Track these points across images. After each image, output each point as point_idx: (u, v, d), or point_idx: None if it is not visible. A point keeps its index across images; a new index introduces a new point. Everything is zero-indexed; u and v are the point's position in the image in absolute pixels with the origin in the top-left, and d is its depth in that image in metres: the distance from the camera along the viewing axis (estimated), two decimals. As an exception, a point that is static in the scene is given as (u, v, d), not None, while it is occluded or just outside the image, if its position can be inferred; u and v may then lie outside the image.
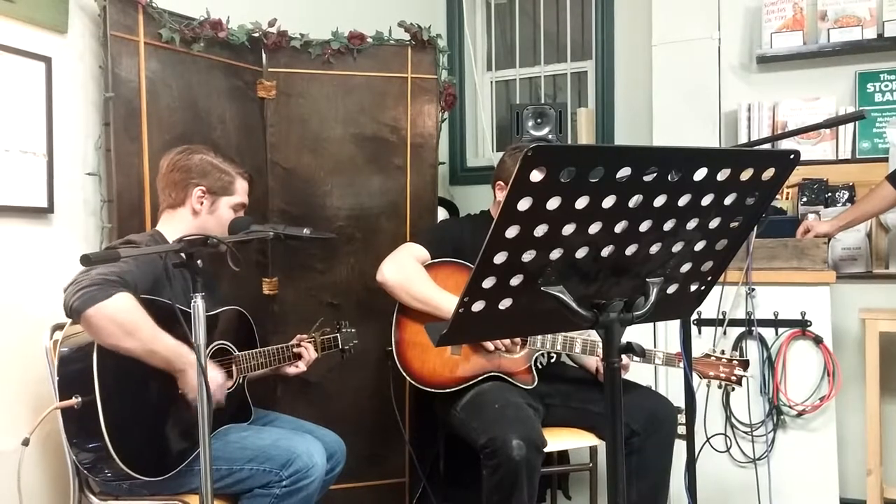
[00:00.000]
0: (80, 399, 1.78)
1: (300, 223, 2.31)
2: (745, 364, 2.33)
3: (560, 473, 2.90)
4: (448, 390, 2.35)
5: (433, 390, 2.37)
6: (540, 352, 2.39)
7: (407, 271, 2.36)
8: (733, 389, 2.60)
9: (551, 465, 2.62)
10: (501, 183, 2.46)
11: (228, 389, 2.03)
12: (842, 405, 2.87)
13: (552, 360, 2.51)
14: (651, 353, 2.37)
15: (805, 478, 2.76)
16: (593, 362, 2.45)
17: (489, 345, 2.33)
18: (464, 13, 4.17)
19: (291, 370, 2.26)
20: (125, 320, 1.73)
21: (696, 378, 2.26)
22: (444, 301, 2.29)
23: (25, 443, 1.79)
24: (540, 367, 2.41)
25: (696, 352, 2.28)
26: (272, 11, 2.74)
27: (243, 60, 2.69)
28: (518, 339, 2.34)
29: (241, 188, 2.16)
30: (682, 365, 2.14)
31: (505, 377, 2.37)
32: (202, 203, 2.07)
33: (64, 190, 2.26)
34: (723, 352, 2.38)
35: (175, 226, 2.06)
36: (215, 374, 1.93)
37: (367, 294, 2.78)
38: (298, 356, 2.27)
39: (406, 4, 3.59)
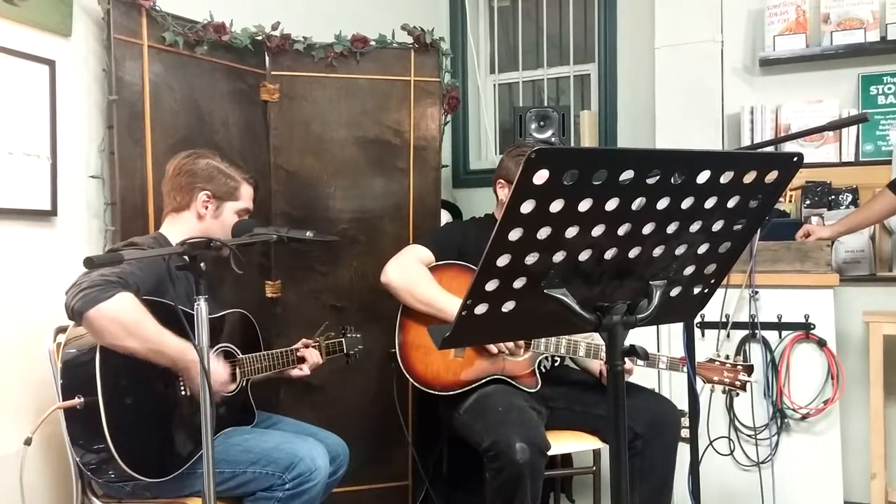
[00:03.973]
0: (82, 399, 1.78)
1: (303, 226, 2.31)
2: (749, 369, 2.33)
3: (563, 477, 2.89)
4: (451, 393, 2.35)
5: (436, 393, 2.37)
6: (543, 355, 2.39)
7: (411, 273, 2.36)
8: (737, 394, 2.59)
9: (554, 468, 2.61)
10: (502, 181, 2.47)
11: (231, 392, 2.03)
12: (846, 408, 2.87)
13: (556, 364, 2.50)
14: (655, 357, 2.36)
15: (809, 481, 2.76)
16: (597, 365, 2.44)
17: (492, 348, 2.33)
18: (467, 16, 4.18)
19: (295, 373, 2.27)
20: (127, 320, 1.73)
21: (699, 382, 2.26)
22: (449, 304, 2.28)
23: (28, 442, 1.79)
24: (543, 370, 2.41)
25: (700, 356, 2.28)
26: (275, 14, 2.74)
27: (246, 63, 2.70)
28: (521, 343, 2.34)
29: (247, 194, 2.16)
30: (685, 369, 2.13)
31: (508, 380, 2.36)
32: (207, 207, 2.08)
33: (67, 193, 2.26)
34: (727, 356, 2.37)
35: (179, 229, 2.06)
36: (220, 371, 1.94)
37: (370, 296, 2.78)
38: (302, 360, 2.27)
39: (409, 7, 3.60)
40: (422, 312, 2.35)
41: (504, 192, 2.48)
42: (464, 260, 2.42)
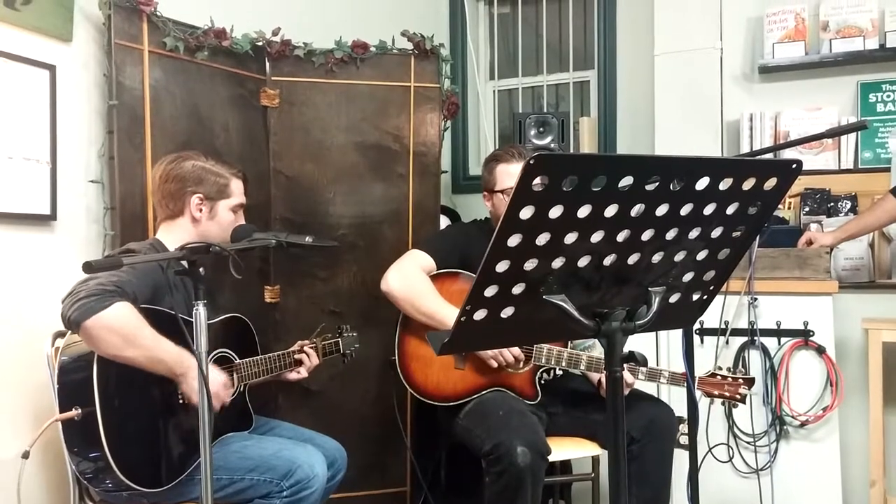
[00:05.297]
0: (80, 411, 1.77)
1: (303, 231, 2.31)
2: (749, 382, 2.31)
3: (562, 483, 2.89)
4: (451, 404, 2.35)
5: (436, 404, 2.37)
6: (544, 368, 2.38)
7: (413, 283, 2.33)
8: (735, 406, 2.59)
9: (553, 474, 2.61)
10: (485, 192, 2.46)
11: (231, 396, 2.03)
12: (845, 415, 2.86)
13: (556, 376, 2.49)
14: (657, 371, 2.35)
15: (808, 488, 2.75)
16: (596, 375, 2.43)
17: (493, 362, 2.31)
18: (466, 22, 4.19)
19: (293, 376, 2.26)
20: (124, 329, 1.72)
21: (699, 394, 2.26)
22: (451, 316, 2.23)
23: (25, 456, 1.78)
24: (543, 382, 2.39)
25: (700, 365, 2.27)
26: (276, 20, 2.75)
27: (247, 69, 2.70)
28: (522, 356, 2.32)
29: (237, 189, 2.13)
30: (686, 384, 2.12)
31: (508, 391, 2.36)
32: (201, 210, 2.05)
33: (67, 197, 2.26)
34: (729, 369, 2.35)
35: (175, 235, 2.04)
36: (218, 375, 1.93)
37: (370, 302, 2.78)
38: (299, 362, 2.26)
39: (409, 14, 3.61)
40: (423, 323, 2.32)
41: (489, 205, 2.47)
42: (468, 264, 2.40)
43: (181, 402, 1.89)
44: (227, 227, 2.07)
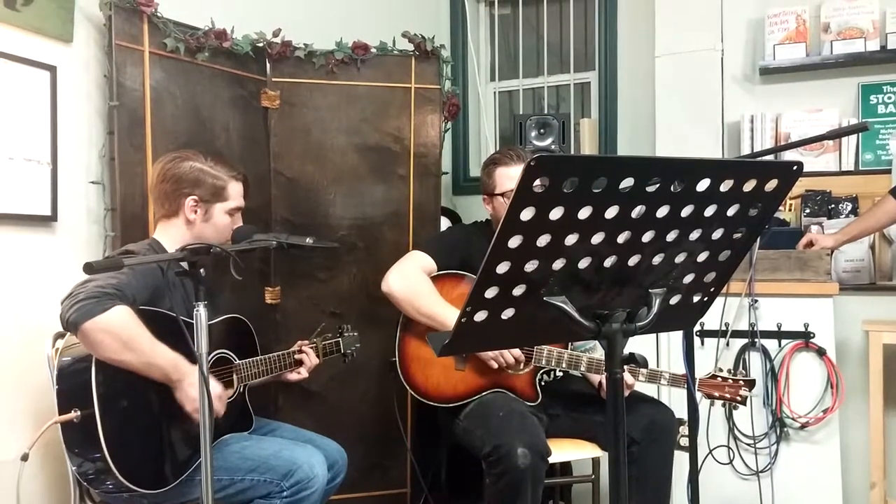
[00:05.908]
0: (79, 413, 1.76)
1: (303, 232, 2.31)
2: (750, 384, 2.31)
3: (563, 484, 2.89)
4: (451, 405, 2.34)
5: (437, 405, 2.36)
6: (544, 370, 2.37)
7: (413, 284, 2.32)
8: (736, 408, 2.58)
9: (553, 476, 2.60)
10: (485, 196, 2.46)
11: (229, 399, 2.02)
12: (845, 417, 2.86)
13: (557, 378, 2.49)
14: (657, 373, 2.35)
15: (808, 490, 2.75)
16: (597, 378, 2.43)
17: (493, 364, 2.31)
18: (467, 23, 4.19)
19: (293, 376, 2.26)
20: (122, 333, 1.71)
21: (699, 396, 2.26)
22: (451, 317, 2.24)
23: (24, 458, 1.78)
24: (543, 384, 2.39)
25: (701, 367, 2.27)
26: (277, 21, 2.75)
27: (247, 70, 2.70)
28: (522, 358, 2.32)
29: (235, 192, 2.09)
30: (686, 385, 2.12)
31: (508, 393, 2.35)
32: (195, 212, 2.03)
33: (67, 198, 2.26)
34: (730, 371, 2.35)
35: (172, 235, 2.03)
36: (214, 386, 1.92)
37: (370, 303, 2.78)
38: (300, 363, 2.26)
39: (410, 15, 3.61)
40: (423, 324, 2.32)
41: (489, 208, 2.46)
42: (469, 265, 2.39)
43: (180, 404, 1.88)
44: (222, 229, 2.06)
